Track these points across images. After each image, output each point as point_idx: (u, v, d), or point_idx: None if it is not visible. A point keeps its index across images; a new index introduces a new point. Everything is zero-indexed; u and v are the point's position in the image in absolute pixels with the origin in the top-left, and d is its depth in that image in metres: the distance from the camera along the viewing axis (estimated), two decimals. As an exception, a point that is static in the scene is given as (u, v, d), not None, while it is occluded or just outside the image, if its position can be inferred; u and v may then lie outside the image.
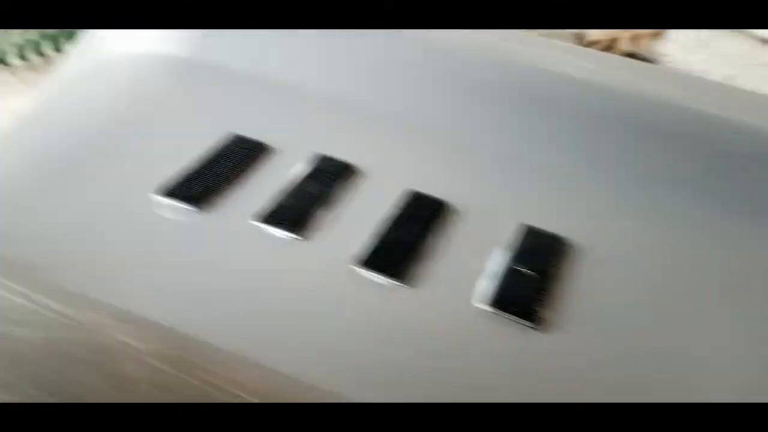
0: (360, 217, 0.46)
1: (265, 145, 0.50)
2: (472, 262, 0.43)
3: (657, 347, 0.38)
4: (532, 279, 0.42)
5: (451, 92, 0.56)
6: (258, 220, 0.44)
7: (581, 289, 0.42)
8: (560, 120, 0.54)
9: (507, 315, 0.40)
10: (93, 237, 0.42)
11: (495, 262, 0.43)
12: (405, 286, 0.41)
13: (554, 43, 0.60)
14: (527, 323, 0.39)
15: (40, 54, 1.93)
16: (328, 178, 0.48)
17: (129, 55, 0.62)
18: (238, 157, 0.49)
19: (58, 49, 1.82)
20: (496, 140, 0.53)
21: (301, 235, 0.44)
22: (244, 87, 0.57)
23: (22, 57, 1.90)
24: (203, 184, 0.46)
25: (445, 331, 0.37)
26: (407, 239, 0.44)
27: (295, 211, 0.45)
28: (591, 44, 2.14)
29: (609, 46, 2.16)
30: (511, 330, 0.39)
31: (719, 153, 0.50)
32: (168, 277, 0.40)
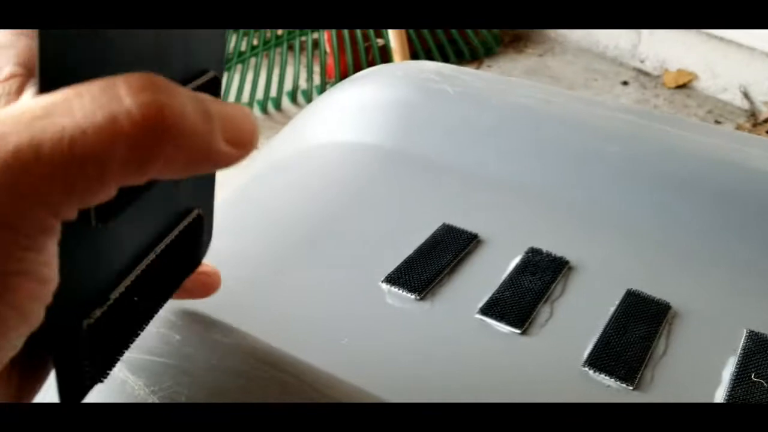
0: (580, 314, 0.46)
1: (479, 236, 0.52)
2: (702, 368, 0.42)
3: None
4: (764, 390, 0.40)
5: (660, 188, 0.56)
6: (480, 313, 0.45)
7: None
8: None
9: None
10: (326, 322, 0.44)
11: (727, 370, 0.42)
12: (636, 390, 0.41)
13: (746, 136, 0.59)
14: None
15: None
16: (544, 273, 0.48)
17: (333, 144, 0.67)
18: (453, 248, 0.50)
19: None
20: (708, 240, 0.51)
21: (524, 331, 0.44)
22: (450, 178, 0.60)
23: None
24: (424, 273, 0.48)
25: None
26: (633, 341, 0.43)
27: (516, 306, 0.45)
28: (763, 122, 2.04)
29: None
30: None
31: None
32: (395, 361, 0.41)
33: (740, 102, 1.96)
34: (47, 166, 0.19)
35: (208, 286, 0.36)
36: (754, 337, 0.43)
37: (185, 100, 0.21)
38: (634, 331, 0.44)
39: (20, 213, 0.19)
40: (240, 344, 0.39)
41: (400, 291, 0.47)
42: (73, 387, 0.25)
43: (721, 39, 1.94)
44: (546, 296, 0.47)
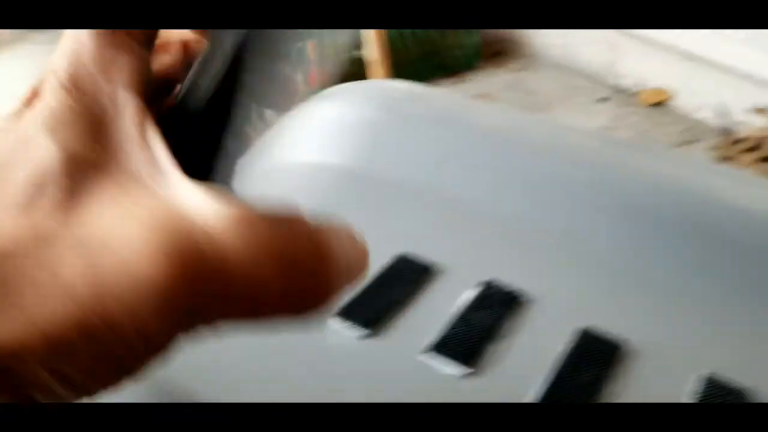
0: (530, 353, 0.45)
1: (433, 268, 0.51)
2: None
3: None
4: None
5: (625, 220, 0.55)
6: (428, 351, 0.44)
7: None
8: (740, 256, 0.51)
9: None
10: (262, 359, 0.43)
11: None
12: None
13: (714, 166, 0.59)
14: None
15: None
16: (497, 308, 0.47)
17: (298, 164, 0.65)
18: (406, 281, 0.49)
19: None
20: (673, 275, 0.51)
21: (471, 370, 0.43)
22: (413, 202, 0.59)
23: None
24: (374, 307, 0.47)
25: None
26: (582, 384, 0.42)
27: (466, 343, 0.44)
28: (738, 142, 2.05)
29: (757, 145, 2.06)
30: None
31: None
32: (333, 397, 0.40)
33: (715, 121, 1.98)
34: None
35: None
36: (708, 383, 0.42)
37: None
38: (585, 373, 0.43)
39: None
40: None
41: (348, 325, 0.46)
42: None
43: (699, 58, 1.95)
44: (496, 333, 0.46)
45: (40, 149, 0.20)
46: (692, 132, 1.97)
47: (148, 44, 0.23)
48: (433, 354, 0.44)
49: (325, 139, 0.66)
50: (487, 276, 0.50)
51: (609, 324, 0.46)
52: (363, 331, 0.45)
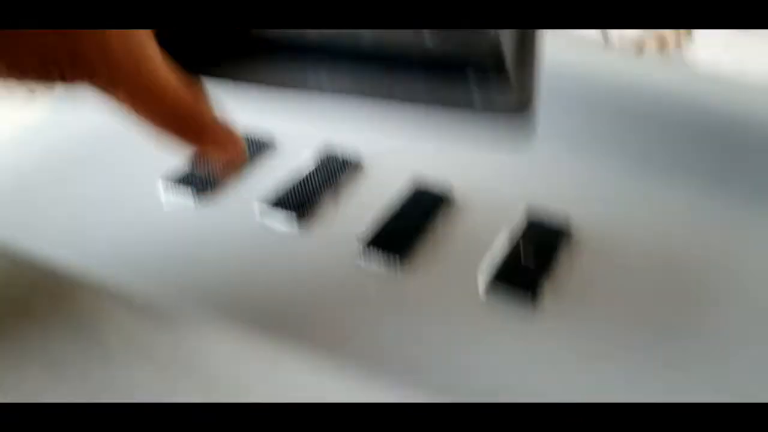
0: (362, 207, 0.46)
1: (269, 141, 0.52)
2: (476, 249, 0.44)
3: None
4: (533, 264, 0.42)
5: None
6: (266, 206, 0.45)
7: (583, 276, 0.42)
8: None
9: (505, 299, 0.40)
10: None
11: (497, 247, 0.43)
12: (405, 273, 0.42)
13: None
14: (525, 307, 0.39)
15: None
16: (336, 171, 0.49)
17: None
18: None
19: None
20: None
21: (306, 225, 0.45)
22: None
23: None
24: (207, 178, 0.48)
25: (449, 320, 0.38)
26: (409, 227, 0.44)
27: (301, 201, 0.46)
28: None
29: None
30: (509, 314, 0.39)
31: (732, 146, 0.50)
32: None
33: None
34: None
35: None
36: (529, 214, 0.45)
37: None
38: (412, 218, 0.45)
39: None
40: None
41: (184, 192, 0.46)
42: None
43: None
44: (333, 193, 0.47)
45: None
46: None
47: None
48: (269, 210, 0.45)
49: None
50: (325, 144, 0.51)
51: (436, 175, 0.48)
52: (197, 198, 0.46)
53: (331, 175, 0.49)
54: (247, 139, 0.52)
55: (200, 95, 0.30)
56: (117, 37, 0.26)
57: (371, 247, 0.43)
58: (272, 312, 0.39)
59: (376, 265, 0.43)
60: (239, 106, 0.36)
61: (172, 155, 0.48)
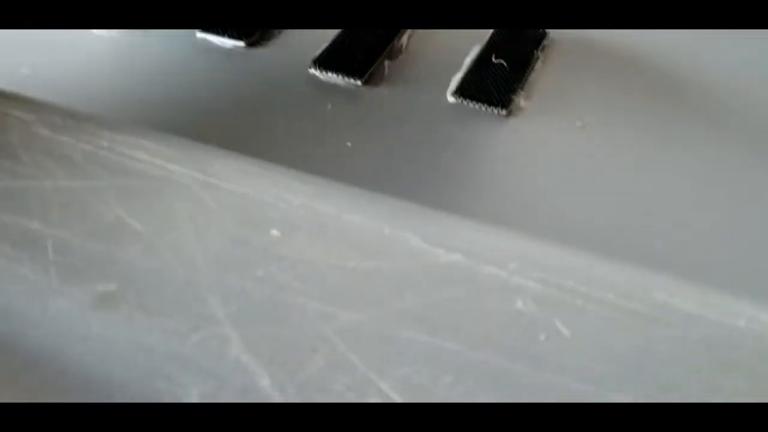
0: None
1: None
2: (445, 59, 0.40)
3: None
4: (504, 68, 0.39)
5: None
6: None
7: (556, 79, 0.40)
8: None
9: (476, 104, 0.37)
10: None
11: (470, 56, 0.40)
12: (366, 85, 0.38)
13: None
14: (497, 110, 0.37)
15: None
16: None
17: None
18: None
19: None
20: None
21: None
22: None
23: None
24: None
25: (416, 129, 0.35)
26: (370, 41, 0.41)
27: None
28: None
29: None
30: (482, 118, 0.37)
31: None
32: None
33: None
34: None
35: None
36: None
37: None
38: (374, 32, 0.41)
39: None
40: None
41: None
42: None
43: None
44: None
45: None
46: None
47: None
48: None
49: None
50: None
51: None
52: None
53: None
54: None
55: None
56: None
57: (328, 62, 0.40)
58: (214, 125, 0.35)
59: (333, 80, 0.39)
60: None
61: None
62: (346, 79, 0.39)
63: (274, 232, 0.24)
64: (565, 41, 0.44)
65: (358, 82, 0.39)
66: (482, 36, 0.42)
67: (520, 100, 0.38)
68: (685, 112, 0.38)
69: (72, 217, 0.25)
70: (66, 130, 0.28)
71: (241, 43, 0.41)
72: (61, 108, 0.30)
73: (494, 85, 0.38)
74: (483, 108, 0.37)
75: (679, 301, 0.23)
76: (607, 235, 0.30)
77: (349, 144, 0.35)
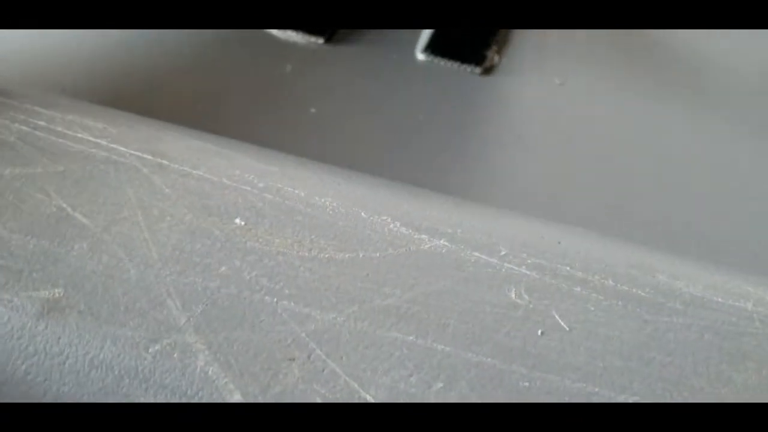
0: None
1: None
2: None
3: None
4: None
5: None
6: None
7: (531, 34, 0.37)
8: None
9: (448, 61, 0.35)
10: None
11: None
12: (328, 43, 0.35)
13: None
14: (471, 68, 0.34)
15: None
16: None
17: None
18: None
19: None
20: None
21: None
22: None
23: None
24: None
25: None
26: None
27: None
28: None
29: None
30: (456, 76, 0.34)
31: None
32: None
33: None
34: None
35: None
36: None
37: None
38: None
39: None
40: None
41: None
42: None
43: None
44: None
45: None
46: None
47: None
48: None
49: None
50: None
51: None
52: None
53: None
54: None
55: None
56: None
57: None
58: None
59: (293, 38, 0.36)
60: None
61: None
62: (306, 37, 0.36)
63: (238, 221, 0.22)
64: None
65: (320, 41, 0.36)
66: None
67: (494, 56, 0.35)
68: (668, 73, 0.36)
69: (8, 210, 0.22)
70: (-4, 109, 0.25)
71: None
72: (-11, 82, 0.27)
73: (467, 40, 0.36)
74: (455, 66, 0.35)
75: (682, 284, 0.21)
76: (599, 210, 0.28)
77: (313, 110, 0.32)
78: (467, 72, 0.34)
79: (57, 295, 0.20)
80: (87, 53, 0.34)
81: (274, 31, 0.36)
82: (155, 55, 0.35)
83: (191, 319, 0.20)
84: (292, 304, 0.20)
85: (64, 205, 0.22)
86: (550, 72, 0.35)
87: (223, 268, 0.21)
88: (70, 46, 0.35)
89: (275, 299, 0.20)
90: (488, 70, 0.35)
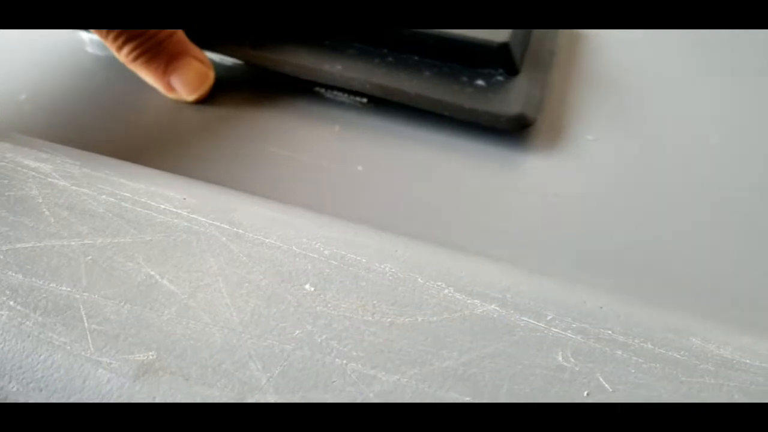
0: None
1: None
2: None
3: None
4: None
5: None
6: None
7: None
8: None
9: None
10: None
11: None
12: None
13: None
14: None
15: None
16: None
17: None
18: None
19: None
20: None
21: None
22: None
23: None
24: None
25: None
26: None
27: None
28: None
29: None
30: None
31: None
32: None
33: None
34: None
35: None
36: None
37: None
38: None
39: None
40: None
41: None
42: None
43: None
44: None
45: None
46: None
47: None
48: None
49: None
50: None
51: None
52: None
53: None
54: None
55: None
56: None
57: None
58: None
59: (341, 96, 0.39)
60: None
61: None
62: (352, 97, 0.38)
63: (308, 287, 0.24)
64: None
65: (364, 99, 0.38)
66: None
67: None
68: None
69: (102, 278, 0.24)
70: (84, 181, 0.28)
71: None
72: (76, 154, 0.30)
73: None
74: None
75: (714, 347, 0.23)
76: (636, 274, 0.30)
77: (360, 168, 0.35)
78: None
79: (150, 357, 0.23)
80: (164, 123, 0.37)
81: (321, 90, 0.38)
82: (211, 118, 0.38)
83: (271, 379, 0.22)
84: (360, 366, 0.22)
85: (153, 273, 0.25)
86: (580, 129, 0.37)
87: (297, 332, 0.23)
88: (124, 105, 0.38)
89: (344, 361, 0.22)
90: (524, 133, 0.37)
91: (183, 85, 0.38)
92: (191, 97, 0.38)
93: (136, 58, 0.37)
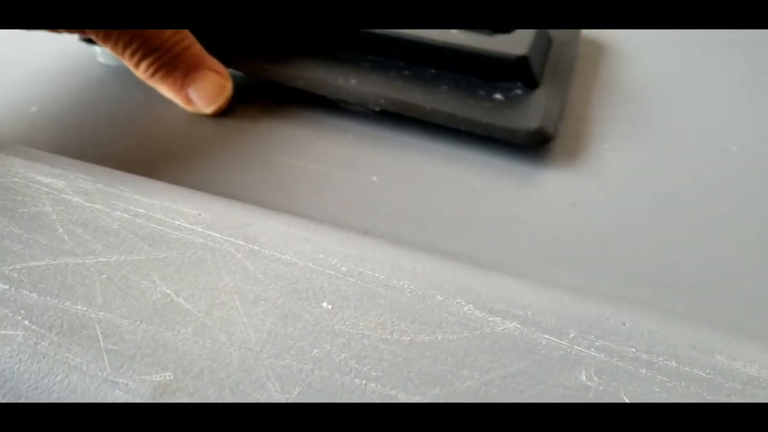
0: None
1: None
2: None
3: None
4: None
5: None
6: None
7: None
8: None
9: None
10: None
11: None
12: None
13: None
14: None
15: None
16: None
17: None
18: None
19: None
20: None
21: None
22: None
23: None
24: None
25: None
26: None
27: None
28: None
29: None
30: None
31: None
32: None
33: None
34: None
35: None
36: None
37: None
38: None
39: None
40: None
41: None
42: None
43: None
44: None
45: None
46: None
47: None
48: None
49: None
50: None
51: None
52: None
53: None
54: None
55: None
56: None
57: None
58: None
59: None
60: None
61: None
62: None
63: (325, 304, 0.24)
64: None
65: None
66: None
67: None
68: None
69: (117, 297, 0.24)
70: (98, 197, 0.28)
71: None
72: (89, 169, 0.29)
73: None
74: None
75: (740, 364, 0.22)
76: (657, 285, 0.30)
77: (374, 179, 0.35)
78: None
79: (167, 378, 0.22)
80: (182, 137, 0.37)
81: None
82: (225, 130, 0.38)
83: (289, 401, 0.22)
84: (379, 386, 0.22)
85: (168, 291, 0.24)
86: (598, 138, 0.37)
87: (315, 351, 0.23)
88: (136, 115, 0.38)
89: (363, 381, 0.22)
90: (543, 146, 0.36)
91: (201, 97, 0.38)
92: (209, 109, 0.38)
93: (153, 74, 0.37)
